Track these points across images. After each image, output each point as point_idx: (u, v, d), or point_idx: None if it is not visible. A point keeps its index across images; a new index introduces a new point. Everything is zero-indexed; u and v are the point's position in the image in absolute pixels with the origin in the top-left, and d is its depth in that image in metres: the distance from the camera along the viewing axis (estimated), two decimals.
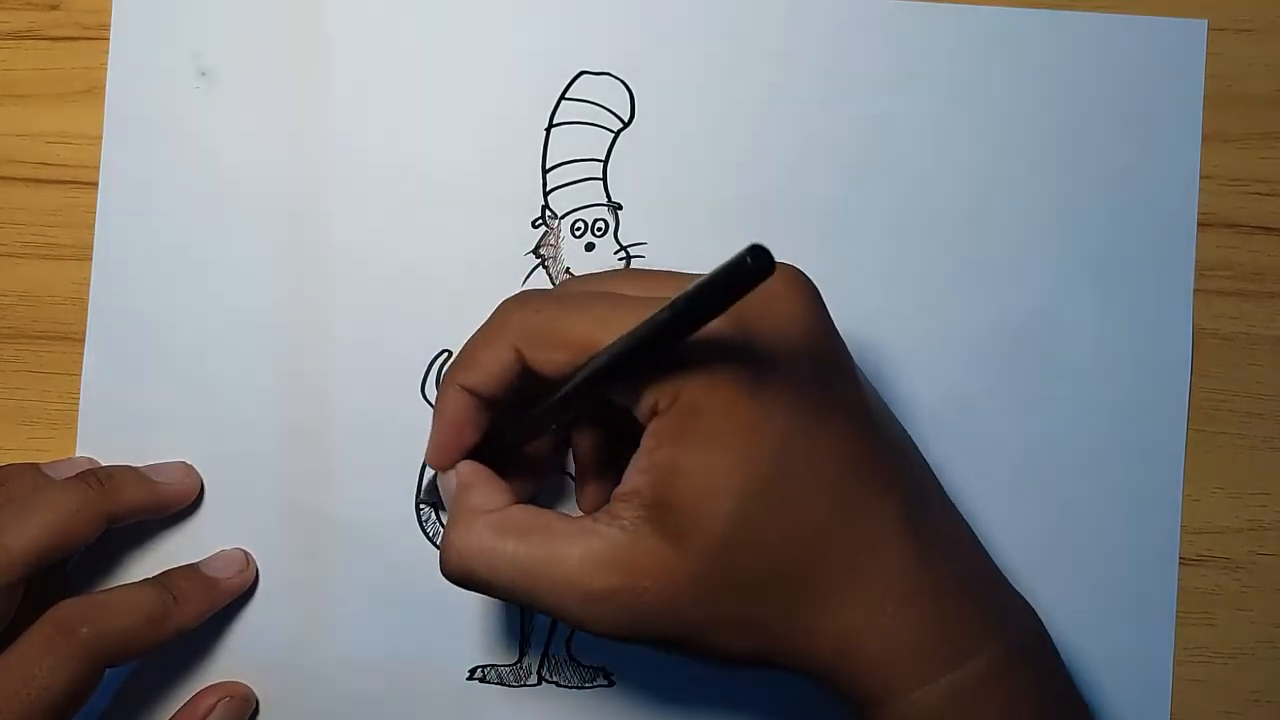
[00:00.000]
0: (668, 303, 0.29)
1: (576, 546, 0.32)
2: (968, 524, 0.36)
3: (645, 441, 0.32)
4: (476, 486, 0.35)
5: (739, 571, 0.31)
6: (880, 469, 0.33)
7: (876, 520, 0.32)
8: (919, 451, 0.36)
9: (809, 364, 0.32)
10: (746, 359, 0.31)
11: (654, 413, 0.32)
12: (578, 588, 0.31)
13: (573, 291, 0.34)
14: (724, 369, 0.31)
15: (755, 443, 0.31)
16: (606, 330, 0.31)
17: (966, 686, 0.32)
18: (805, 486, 0.31)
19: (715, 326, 0.30)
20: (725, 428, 0.31)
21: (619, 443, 0.37)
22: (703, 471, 0.31)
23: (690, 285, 0.28)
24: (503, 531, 0.33)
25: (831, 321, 0.33)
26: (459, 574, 0.33)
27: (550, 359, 0.33)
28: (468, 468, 0.35)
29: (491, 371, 0.34)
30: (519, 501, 0.34)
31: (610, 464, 0.38)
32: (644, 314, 0.30)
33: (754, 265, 0.26)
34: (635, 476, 0.32)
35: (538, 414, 0.35)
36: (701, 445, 0.31)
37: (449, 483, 0.36)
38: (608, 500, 0.37)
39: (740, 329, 0.31)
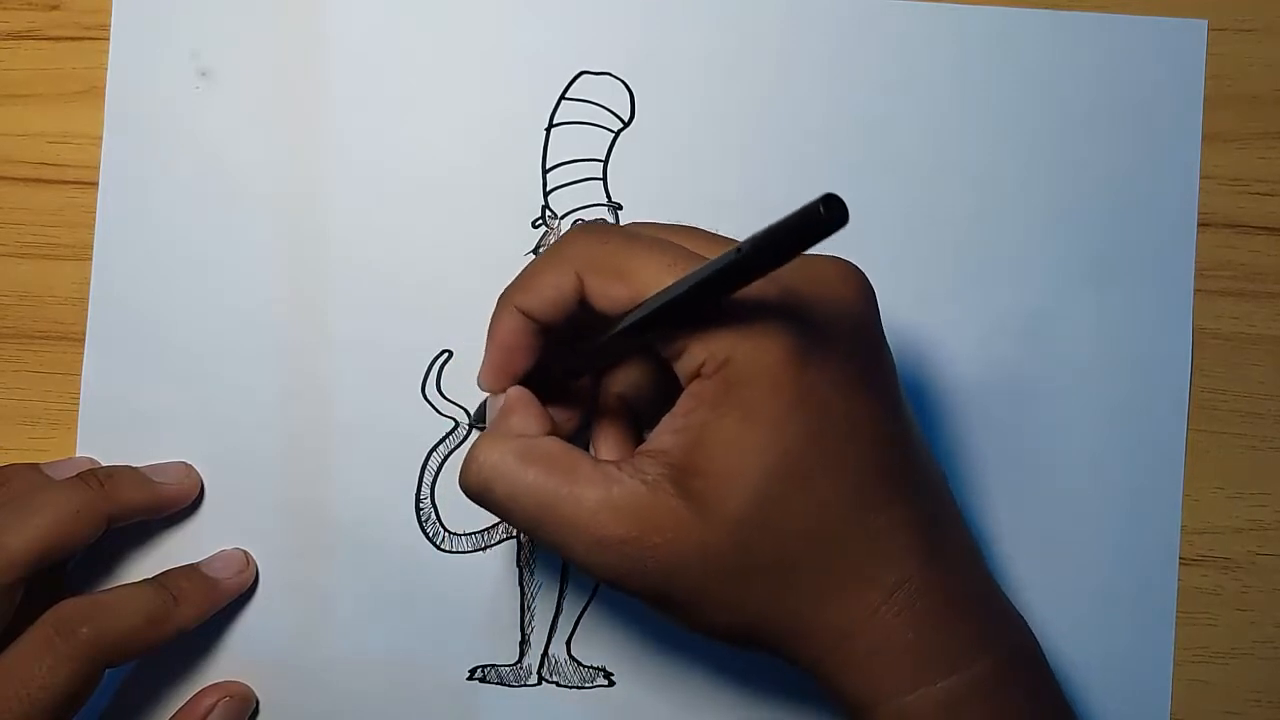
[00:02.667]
0: (733, 248, 0.28)
1: (596, 489, 0.32)
2: (972, 535, 0.36)
3: (683, 402, 0.32)
4: (518, 412, 0.35)
5: (751, 550, 0.31)
6: (904, 472, 0.33)
7: (892, 523, 0.32)
8: (937, 461, 0.36)
9: (854, 355, 0.32)
10: (796, 339, 0.31)
11: (696, 374, 0.32)
12: (588, 529, 0.31)
13: (641, 233, 0.34)
14: (773, 345, 0.31)
15: (791, 425, 0.31)
16: (671, 275, 0.31)
17: (960, 695, 0.32)
18: (831, 478, 0.31)
19: (770, 299, 0.30)
20: (764, 404, 0.31)
21: (645, 394, 0.37)
22: (735, 444, 0.31)
23: (759, 230, 0.28)
24: (528, 458, 0.33)
25: (879, 318, 0.33)
26: (476, 489, 0.33)
27: (609, 292, 0.33)
28: (516, 392, 0.35)
29: (550, 296, 0.34)
30: (556, 432, 0.34)
31: (632, 415, 0.38)
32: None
33: (826, 215, 0.26)
34: (666, 435, 0.32)
35: (589, 350, 0.34)
36: (738, 417, 0.31)
37: (494, 406, 0.36)
38: (622, 451, 0.37)
39: (794, 309, 0.31)
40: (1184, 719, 0.41)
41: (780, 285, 0.31)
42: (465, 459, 0.34)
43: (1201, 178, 0.42)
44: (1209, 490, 0.42)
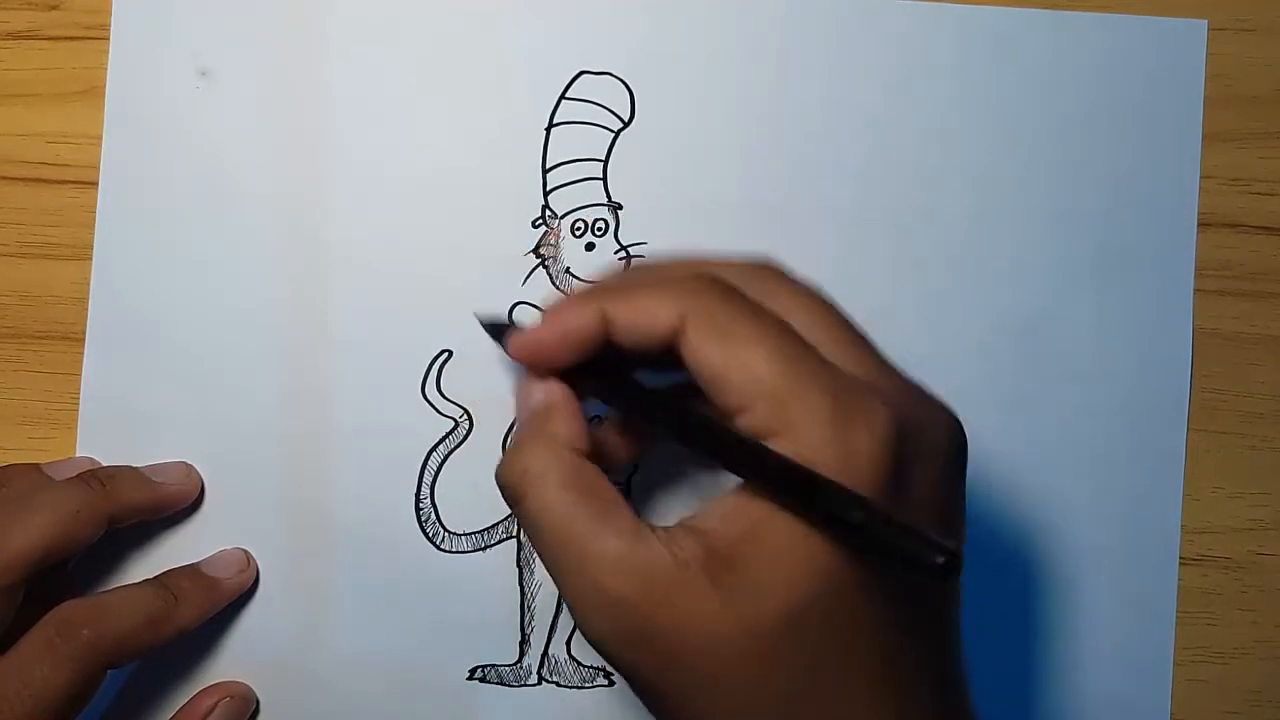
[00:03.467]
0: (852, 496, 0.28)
1: (624, 540, 0.29)
2: (970, 702, 0.33)
3: (745, 493, 0.30)
4: (563, 414, 0.33)
5: (768, 666, 0.29)
6: (924, 659, 0.31)
7: (901, 698, 0.30)
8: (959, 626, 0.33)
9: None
10: (887, 468, 0.29)
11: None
12: (597, 576, 0.29)
13: (764, 307, 0.31)
14: (863, 464, 0.29)
15: (854, 563, 0.29)
16: (768, 363, 0.29)
17: None
18: (869, 630, 0.29)
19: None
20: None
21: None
22: (790, 550, 0.28)
23: (880, 511, 0.27)
24: (570, 482, 0.31)
25: (965, 477, 0.32)
26: (511, 489, 0.32)
27: (703, 351, 0.30)
28: (559, 390, 0.33)
29: (643, 324, 0.31)
30: (591, 444, 0.33)
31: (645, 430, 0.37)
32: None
33: (940, 565, 0.26)
34: (715, 519, 0.30)
35: (645, 411, 0.33)
36: (811, 537, 0.28)
37: (533, 393, 0.33)
38: (625, 456, 0.36)
39: (901, 440, 0.29)
40: (1184, 719, 0.41)
41: (897, 408, 0.29)
42: (509, 451, 0.32)
43: (1201, 178, 0.42)
44: (1209, 490, 0.42)
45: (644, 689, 0.31)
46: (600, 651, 0.31)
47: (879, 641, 0.29)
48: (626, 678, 0.31)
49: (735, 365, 0.30)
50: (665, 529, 0.30)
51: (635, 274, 0.34)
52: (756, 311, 0.31)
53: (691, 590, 0.29)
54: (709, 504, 0.30)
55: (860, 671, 0.29)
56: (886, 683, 0.30)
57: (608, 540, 0.30)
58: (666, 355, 0.31)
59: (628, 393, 0.33)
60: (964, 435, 0.32)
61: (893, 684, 0.30)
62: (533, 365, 0.34)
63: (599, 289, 0.33)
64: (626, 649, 0.30)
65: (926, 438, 0.30)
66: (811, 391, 0.29)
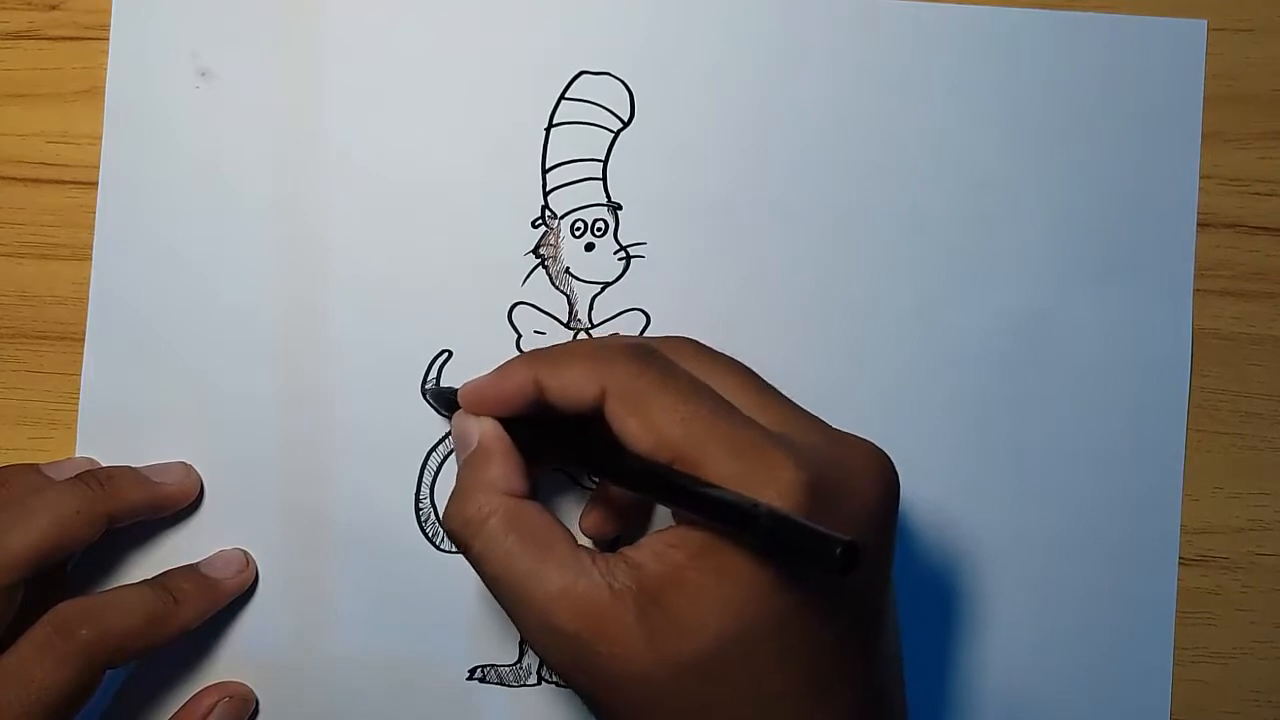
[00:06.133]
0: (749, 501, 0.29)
1: (563, 575, 0.31)
2: (903, 710, 0.35)
3: (674, 533, 0.32)
4: (497, 458, 0.35)
5: (686, 698, 0.31)
6: (851, 681, 0.32)
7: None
8: (901, 665, 0.35)
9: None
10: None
11: (692, 520, 0.32)
12: (543, 614, 0.31)
13: (679, 372, 0.34)
14: None
15: (766, 603, 0.30)
16: (682, 427, 0.32)
17: None
18: (785, 666, 0.31)
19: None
20: (747, 573, 0.30)
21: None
22: (704, 596, 0.30)
23: (782, 511, 0.29)
24: (511, 523, 0.33)
25: (896, 519, 0.33)
26: (457, 538, 0.34)
27: (625, 424, 0.33)
28: (493, 433, 0.35)
29: (570, 392, 0.34)
30: (529, 480, 0.35)
31: (626, 499, 0.39)
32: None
33: (839, 557, 0.27)
34: (649, 556, 0.32)
35: (581, 464, 0.36)
36: (717, 573, 0.31)
37: (468, 430, 0.36)
38: (606, 526, 0.39)
39: (809, 489, 0.31)
40: (1184, 719, 0.41)
41: (807, 466, 0.31)
42: (450, 502, 0.34)
43: (1201, 178, 0.42)
44: (1209, 490, 0.42)
45: (595, 711, 0.33)
46: (559, 677, 0.33)
47: (802, 667, 0.31)
48: (583, 700, 0.33)
49: (650, 433, 0.32)
50: (605, 558, 0.32)
51: (571, 345, 0.37)
52: (672, 376, 0.33)
53: (623, 623, 0.31)
54: (647, 537, 0.32)
55: (784, 700, 0.31)
56: (809, 708, 0.31)
57: (550, 576, 0.32)
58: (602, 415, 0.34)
59: (571, 444, 0.35)
60: (894, 474, 0.33)
61: (815, 706, 0.31)
62: (476, 411, 0.36)
63: (538, 355, 0.36)
64: (575, 675, 0.32)
65: (846, 483, 0.32)
66: (722, 454, 0.31)
